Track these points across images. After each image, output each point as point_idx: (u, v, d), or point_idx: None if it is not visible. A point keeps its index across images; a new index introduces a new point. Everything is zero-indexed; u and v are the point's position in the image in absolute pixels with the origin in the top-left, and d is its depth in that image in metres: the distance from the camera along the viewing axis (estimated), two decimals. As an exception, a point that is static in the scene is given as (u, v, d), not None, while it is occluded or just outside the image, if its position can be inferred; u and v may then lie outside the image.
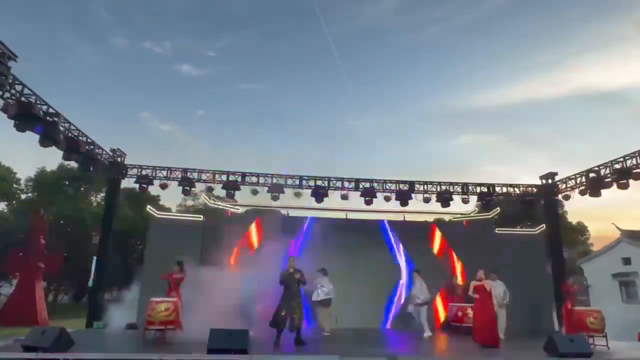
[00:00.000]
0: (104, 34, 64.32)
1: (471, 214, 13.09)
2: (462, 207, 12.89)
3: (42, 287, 15.35)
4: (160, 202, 27.22)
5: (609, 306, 13.23)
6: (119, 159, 11.96)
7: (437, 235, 12.25)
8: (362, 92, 77.14)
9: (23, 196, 24.30)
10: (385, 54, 75.08)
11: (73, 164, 23.41)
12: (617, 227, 22.78)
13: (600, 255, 24.23)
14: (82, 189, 25.13)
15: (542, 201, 13.17)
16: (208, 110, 73.03)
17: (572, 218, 34.67)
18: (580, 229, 35.51)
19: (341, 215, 12.60)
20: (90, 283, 12.07)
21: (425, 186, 12.57)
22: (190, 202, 29.14)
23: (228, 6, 72.73)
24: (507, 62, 71.14)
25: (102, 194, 25.03)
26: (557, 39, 68.46)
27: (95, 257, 11.97)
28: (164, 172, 12.05)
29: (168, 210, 25.03)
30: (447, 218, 14.37)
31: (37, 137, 8.21)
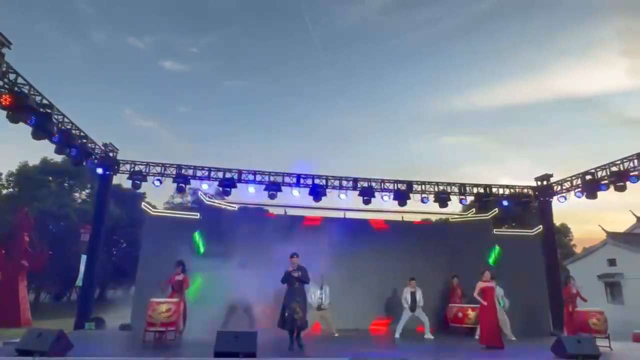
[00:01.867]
0: (85, 28, 62.79)
1: (468, 215, 13.10)
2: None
3: (25, 286, 14.79)
4: (147, 199, 26.64)
5: (594, 307, 13.49)
6: (111, 154, 11.57)
7: None
8: (348, 92, 77.36)
9: (4, 191, 23.45)
10: (371, 55, 75.45)
11: (57, 158, 23.02)
12: (603, 229, 23.25)
13: (586, 257, 24.71)
14: (66, 184, 24.37)
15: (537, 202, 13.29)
16: (191, 107, 72.07)
17: (555, 220, 35.28)
18: (564, 230, 36.24)
19: (339, 214, 12.44)
20: (79, 282, 11.65)
21: (423, 186, 12.53)
22: (178, 200, 28.60)
23: (212, 2, 71.86)
24: (490, 65, 72.32)
25: (88, 190, 24.37)
26: (539, 43, 69.92)
27: (84, 255, 11.56)
28: (158, 169, 11.69)
29: (154, 208, 24.46)
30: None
31: (19, 129, 7.82)
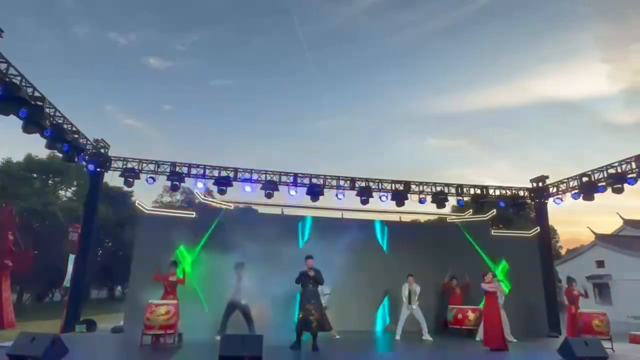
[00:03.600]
0: (66, 22, 61.34)
1: (465, 215, 13.05)
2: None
3: (9, 287, 14.23)
4: (133, 198, 26.11)
5: (582, 308, 13.66)
6: (102, 151, 11.20)
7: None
8: (333, 93, 77.46)
9: (-14, 189, 22.66)
10: (357, 55, 75.68)
11: (42, 155, 22.30)
12: (592, 231, 23.54)
13: (574, 258, 25.00)
14: (51, 182, 23.67)
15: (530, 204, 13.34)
16: (176, 105, 71.13)
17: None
18: (551, 232, 36.78)
19: (337, 214, 12.26)
20: (67, 282, 11.20)
21: (421, 187, 12.45)
22: (167, 199, 28.08)
23: (198, 0, 71.11)
24: (474, 69, 73.25)
25: (74, 188, 23.70)
26: (522, 48, 71.20)
27: (73, 255, 11.13)
28: (151, 166, 11.35)
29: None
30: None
31: (3, 125, 7.47)
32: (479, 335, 8.88)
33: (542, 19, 69.59)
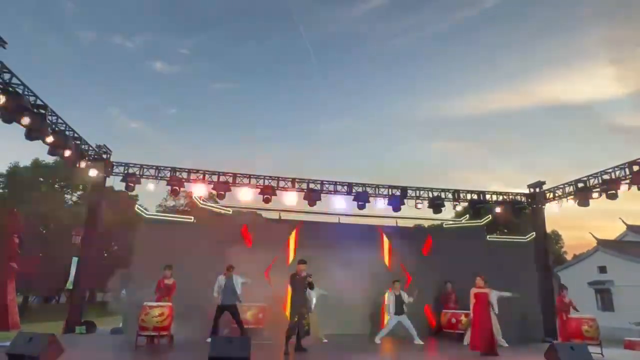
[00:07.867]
0: (70, 27, 62.30)
1: (462, 220, 13.14)
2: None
3: (14, 289, 14.54)
4: (139, 202, 26.47)
5: (584, 314, 13.61)
6: (104, 156, 11.49)
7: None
8: (336, 96, 77.78)
9: (-6, 192, 23.15)
10: (359, 59, 76.01)
11: (48, 160, 22.77)
12: (593, 237, 23.43)
13: (577, 264, 24.88)
14: (57, 186, 24.11)
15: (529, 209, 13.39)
16: (181, 109, 71.82)
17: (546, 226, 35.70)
18: (555, 237, 36.65)
19: (334, 219, 12.42)
20: (69, 285, 11.49)
21: (418, 192, 12.56)
22: (171, 203, 28.40)
23: (202, 3, 71.83)
24: (476, 72, 73.22)
25: (80, 192, 24.11)
26: (526, 50, 71.03)
27: (76, 258, 11.42)
28: (152, 171, 11.63)
29: (146, 210, 24.26)
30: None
31: (11, 129, 7.77)
32: (466, 340, 8.96)
33: (547, 20, 69.56)
